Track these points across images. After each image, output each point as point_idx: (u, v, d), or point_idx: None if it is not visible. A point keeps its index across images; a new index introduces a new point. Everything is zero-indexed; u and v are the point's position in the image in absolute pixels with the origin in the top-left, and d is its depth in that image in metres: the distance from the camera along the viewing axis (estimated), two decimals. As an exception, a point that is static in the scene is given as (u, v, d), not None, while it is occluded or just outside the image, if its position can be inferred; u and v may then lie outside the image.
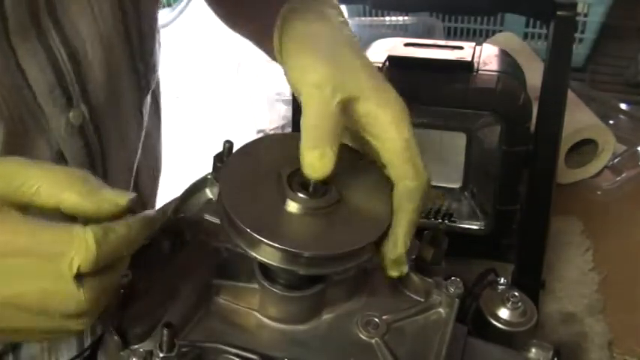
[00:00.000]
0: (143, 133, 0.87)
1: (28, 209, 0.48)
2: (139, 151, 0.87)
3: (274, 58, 0.68)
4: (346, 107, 0.57)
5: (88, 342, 0.84)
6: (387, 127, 0.57)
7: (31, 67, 0.65)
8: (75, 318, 0.48)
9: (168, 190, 0.81)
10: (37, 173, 0.48)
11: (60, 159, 0.71)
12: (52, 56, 0.67)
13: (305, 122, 0.55)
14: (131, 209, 0.50)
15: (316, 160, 0.54)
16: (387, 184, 0.59)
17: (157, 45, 0.84)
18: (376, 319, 0.56)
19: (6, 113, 0.64)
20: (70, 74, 0.69)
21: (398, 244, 0.56)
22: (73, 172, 0.49)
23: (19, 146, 0.67)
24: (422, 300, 0.59)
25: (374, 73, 0.59)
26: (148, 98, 0.87)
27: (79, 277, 0.46)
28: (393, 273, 0.58)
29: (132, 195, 0.50)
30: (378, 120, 0.57)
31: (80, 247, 0.46)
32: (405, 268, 0.58)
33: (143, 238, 0.51)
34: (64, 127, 0.70)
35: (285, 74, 0.63)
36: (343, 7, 0.69)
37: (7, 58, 0.64)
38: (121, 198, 0.49)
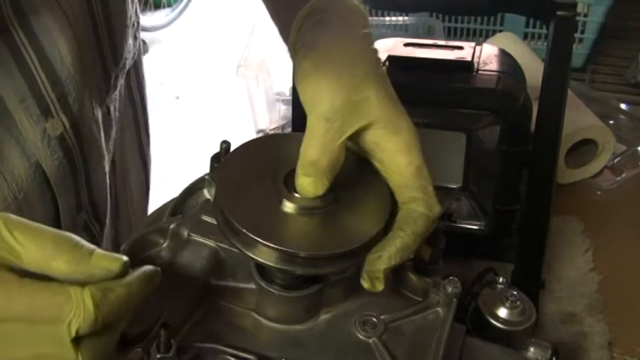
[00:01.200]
0: (114, 131, 0.85)
1: None
2: (111, 151, 0.85)
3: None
4: (355, 136, 0.56)
5: None
6: (396, 154, 0.56)
7: None
8: None
9: (167, 190, 0.81)
10: (23, 239, 0.45)
11: (37, 170, 0.69)
12: (23, 63, 0.65)
13: (304, 153, 0.54)
14: (123, 274, 0.47)
15: (309, 185, 0.54)
16: (384, 184, 0.59)
17: (130, 42, 0.82)
18: (374, 319, 0.56)
19: None
20: (44, 82, 0.67)
21: (382, 259, 0.54)
22: (60, 237, 0.46)
23: None
24: (420, 300, 0.59)
25: (388, 103, 0.57)
26: (117, 94, 0.85)
27: (77, 339, 0.44)
28: (364, 283, 0.55)
29: (124, 259, 0.47)
30: (387, 148, 0.56)
31: (79, 310, 0.44)
32: (380, 286, 0.54)
33: (143, 296, 0.48)
34: (40, 138, 0.68)
35: (296, 84, 0.60)
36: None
37: None
38: (113, 263, 0.47)
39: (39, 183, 0.70)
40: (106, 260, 0.46)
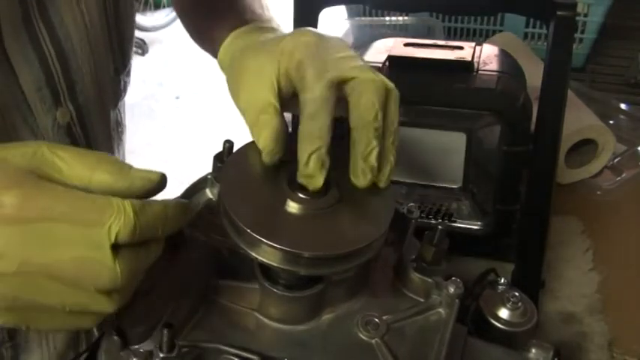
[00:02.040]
0: (124, 136, 0.88)
1: None
2: (122, 157, 0.87)
3: None
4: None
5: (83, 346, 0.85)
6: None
7: (21, 66, 0.66)
8: (105, 295, 0.47)
9: (169, 190, 0.81)
10: (65, 155, 0.48)
11: None
12: (42, 55, 0.67)
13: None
14: (162, 186, 0.50)
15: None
16: (387, 185, 0.59)
17: (132, 48, 0.85)
18: (376, 320, 0.56)
19: None
20: (58, 73, 0.69)
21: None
22: (101, 154, 0.49)
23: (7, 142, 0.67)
24: (422, 300, 0.59)
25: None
26: (125, 100, 0.88)
27: (116, 247, 0.46)
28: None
29: (162, 172, 0.50)
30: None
31: (119, 215, 0.45)
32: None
33: (178, 222, 0.51)
34: (52, 125, 0.70)
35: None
36: (343, 8, 0.70)
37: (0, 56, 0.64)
38: (153, 174, 0.50)
39: None
40: (146, 171, 0.49)
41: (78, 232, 0.45)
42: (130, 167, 0.49)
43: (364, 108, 0.56)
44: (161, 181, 0.50)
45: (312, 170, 0.55)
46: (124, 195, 0.47)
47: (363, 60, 0.61)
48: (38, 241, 0.45)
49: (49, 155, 0.48)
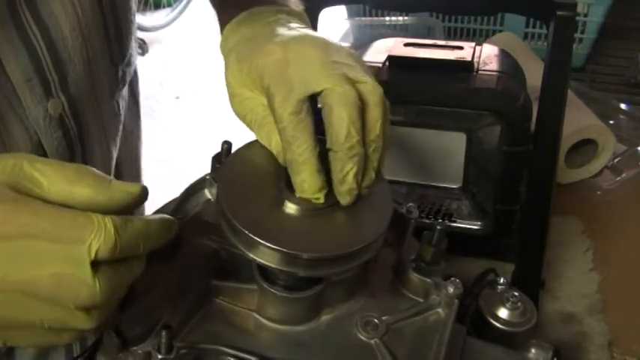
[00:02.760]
0: (121, 127, 0.87)
1: None
2: (117, 148, 0.87)
3: None
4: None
5: (77, 351, 0.84)
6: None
7: (7, 55, 0.65)
8: (84, 312, 0.47)
9: (167, 190, 0.81)
10: (45, 168, 0.47)
11: (38, 150, 0.71)
12: (30, 45, 0.67)
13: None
14: (143, 199, 0.49)
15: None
16: (386, 185, 0.59)
17: (133, 38, 0.84)
18: (375, 320, 0.56)
19: None
20: (48, 63, 0.69)
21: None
22: (80, 167, 0.49)
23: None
24: (421, 300, 0.59)
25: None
26: (125, 92, 0.87)
27: (96, 264, 0.45)
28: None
29: (143, 185, 0.49)
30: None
31: (100, 232, 0.45)
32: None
33: (161, 239, 0.50)
34: (43, 117, 0.70)
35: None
36: (343, 8, 0.69)
37: None
38: (133, 187, 0.49)
39: None
40: (126, 185, 0.49)
41: (57, 249, 0.45)
42: (111, 180, 0.49)
43: (335, 126, 0.54)
44: (142, 194, 0.49)
45: (309, 194, 0.55)
46: (104, 209, 0.47)
47: (352, 59, 0.59)
48: (17, 259, 0.45)
49: (28, 169, 0.47)
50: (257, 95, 0.59)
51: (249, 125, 0.61)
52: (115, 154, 0.86)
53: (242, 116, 0.61)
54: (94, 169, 0.49)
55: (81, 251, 0.45)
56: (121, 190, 0.48)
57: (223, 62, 0.64)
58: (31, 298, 0.45)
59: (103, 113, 0.80)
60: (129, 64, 0.84)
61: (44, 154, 0.71)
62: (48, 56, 0.68)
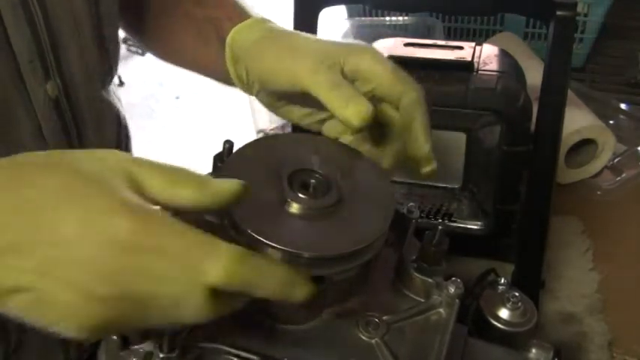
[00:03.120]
0: (119, 116, 0.89)
1: None
2: (116, 136, 0.88)
3: (228, 84, 0.76)
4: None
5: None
6: (372, 66, 0.63)
7: (15, 35, 0.66)
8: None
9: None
10: (146, 167, 0.47)
11: (38, 132, 0.72)
12: (34, 26, 0.68)
13: (327, 97, 0.60)
14: (244, 195, 0.48)
15: (354, 107, 0.59)
16: (388, 184, 0.59)
17: (117, 33, 0.85)
18: (376, 320, 0.56)
19: None
20: (47, 45, 0.70)
21: (425, 140, 0.63)
22: (175, 166, 0.48)
23: (3, 120, 0.67)
24: (422, 300, 0.59)
25: (336, 41, 0.66)
26: (115, 88, 0.88)
27: (211, 291, 0.45)
28: (427, 168, 0.64)
29: (241, 182, 0.49)
30: (364, 67, 0.63)
31: (220, 259, 0.44)
32: (435, 163, 0.64)
33: (275, 291, 0.47)
34: (43, 99, 0.71)
35: (262, 86, 0.69)
36: (343, 7, 0.70)
37: None
38: (233, 185, 0.48)
39: (40, 148, 0.71)
40: (225, 182, 0.48)
41: (182, 270, 0.44)
42: (209, 179, 0.48)
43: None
44: (243, 191, 0.48)
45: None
46: (206, 209, 0.48)
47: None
48: (141, 272, 0.44)
49: (132, 167, 0.47)
50: None
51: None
52: (113, 143, 0.88)
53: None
54: (187, 169, 0.48)
55: (199, 278, 0.44)
56: (223, 189, 0.48)
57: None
58: (149, 310, 0.45)
59: (96, 100, 0.81)
60: (115, 59, 0.85)
61: (43, 141, 0.72)
62: (47, 38, 0.70)
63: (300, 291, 0.48)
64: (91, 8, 0.76)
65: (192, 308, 0.45)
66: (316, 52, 0.63)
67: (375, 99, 0.63)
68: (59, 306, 0.44)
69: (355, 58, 0.63)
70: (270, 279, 0.46)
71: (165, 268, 0.44)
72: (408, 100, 0.63)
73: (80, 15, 0.74)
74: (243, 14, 0.75)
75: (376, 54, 0.64)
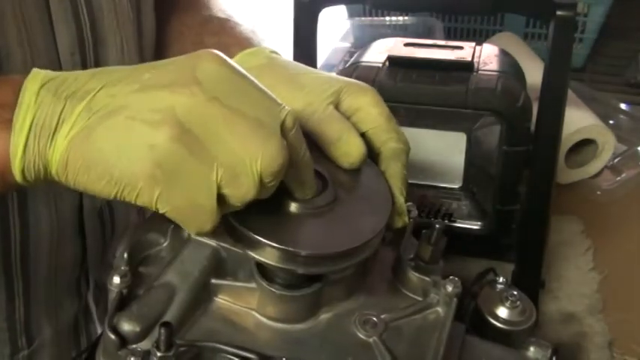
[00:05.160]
0: None
1: None
2: None
3: None
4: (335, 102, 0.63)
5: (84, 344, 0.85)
6: (369, 108, 0.62)
7: (60, 27, 0.68)
8: (258, 179, 0.49)
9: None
10: None
11: None
12: (78, 20, 0.69)
13: (319, 133, 0.60)
14: None
15: (346, 145, 0.59)
16: (384, 183, 0.59)
17: (154, 32, 0.86)
18: (374, 318, 0.56)
19: (29, 61, 0.66)
20: (89, 41, 0.71)
21: (397, 194, 0.61)
22: None
23: None
24: (420, 299, 0.59)
25: (337, 76, 0.66)
26: None
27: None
28: (399, 223, 0.62)
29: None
30: (360, 105, 0.62)
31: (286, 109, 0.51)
32: (406, 218, 0.62)
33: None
34: None
35: None
36: (343, 7, 0.70)
37: (41, 13, 0.66)
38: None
39: None
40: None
41: (264, 103, 0.50)
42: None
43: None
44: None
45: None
46: None
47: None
48: (233, 90, 0.49)
49: None
50: None
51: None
52: None
53: None
54: None
55: (275, 112, 0.50)
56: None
57: None
58: (226, 133, 0.48)
59: None
60: (152, 56, 0.86)
61: None
62: (90, 34, 0.71)
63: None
64: (134, 9, 0.78)
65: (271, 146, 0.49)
66: (310, 86, 0.63)
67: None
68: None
69: (354, 95, 0.63)
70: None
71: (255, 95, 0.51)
72: (388, 150, 0.62)
73: (123, 11, 0.76)
74: (252, 44, 0.75)
75: (375, 96, 0.63)
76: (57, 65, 0.69)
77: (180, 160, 0.47)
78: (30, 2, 0.66)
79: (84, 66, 0.72)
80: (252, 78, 0.52)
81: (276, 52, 0.70)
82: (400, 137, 0.63)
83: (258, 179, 0.49)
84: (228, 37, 0.79)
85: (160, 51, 0.88)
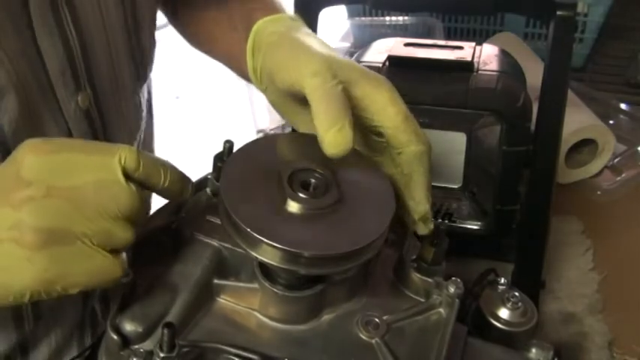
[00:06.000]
0: (143, 123, 0.89)
1: None
2: (138, 143, 0.88)
3: (246, 79, 0.73)
4: (344, 91, 0.59)
5: (89, 341, 0.85)
6: (385, 104, 0.60)
7: (46, 46, 0.67)
8: (124, 222, 0.52)
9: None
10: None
11: None
12: (65, 37, 0.68)
13: (316, 108, 0.57)
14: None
15: (336, 135, 0.56)
16: (388, 184, 0.59)
17: (152, 37, 0.85)
18: (376, 319, 0.56)
19: (22, 93, 0.65)
20: (79, 57, 0.70)
21: (422, 201, 0.61)
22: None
23: (31, 128, 0.67)
24: (422, 300, 0.59)
25: (353, 61, 0.64)
26: (145, 90, 0.88)
27: (126, 177, 0.52)
28: (424, 230, 0.61)
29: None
30: (376, 99, 0.60)
31: (124, 149, 0.52)
32: (432, 224, 0.61)
33: (176, 183, 0.56)
34: (74, 110, 0.71)
35: (270, 82, 0.66)
36: (343, 7, 0.70)
37: (26, 36, 0.65)
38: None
39: None
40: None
41: (94, 159, 0.52)
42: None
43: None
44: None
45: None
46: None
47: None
48: (62, 168, 0.51)
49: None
50: None
51: None
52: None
53: None
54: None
55: (113, 161, 0.52)
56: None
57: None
58: (77, 211, 0.50)
59: (125, 108, 0.81)
60: (149, 61, 0.85)
61: None
62: (79, 49, 0.70)
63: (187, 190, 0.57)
64: (126, 18, 0.76)
65: (118, 189, 0.51)
66: (327, 59, 0.60)
67: (370, 131, 0.61)
68: None
69: (369, 87, 0.60)
70: (166, 168, 0.55)
71: (80, 161, 0.52)
72: (409, 153, 0.60)
73: (114, 26, 0.75)
74: (276, 10, 0.74)
75: (393, 92, 0.61)
76: (48, 89, 0.68)
77: (61, 255, 0.50)
78: (11, 34, 0.64)
79: (77, 83, 0.71)
80: (73, 142, 0.56)
81: (297, 19, 0.70)
82: (420, 138, 0.60)
83: (131, 233, 0.53)
84: (253, 2, 0.79)
85: (179, 13, 0.90)
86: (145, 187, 0.54)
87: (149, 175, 0.54)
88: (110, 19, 0.74)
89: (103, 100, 0.75)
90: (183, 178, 0.57)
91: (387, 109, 0.60)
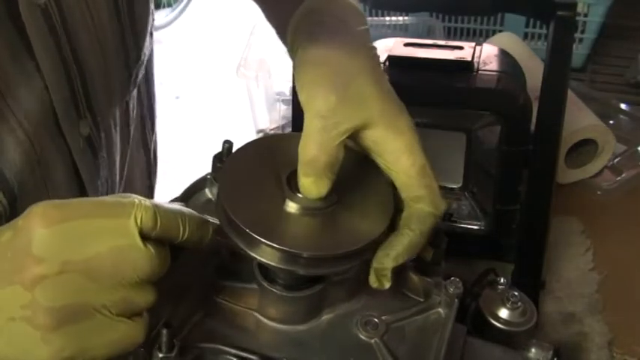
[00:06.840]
0: (133, 126, 0.87)
1: None
2: (129, 145, 0.87)
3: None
4: (355, 135, 0.56)
5: None
6: (399, 154, 0.56)
7: (51, 77, 0.64)
8: (143, 287, 0.49)
9: (168, 189, 0.81)
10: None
11: (74, 177, 0.71)
12: (66, 63, 0.66)
13: (302, 152, 0.55)
14: None
15: (311, 185, 0.54)
16: (387, 184, 0.59)
17: (149, 39, 0.83)
18: (376, 320, 0.56)
19: (30, 130, 0.63)
20: (78, 84, 0.68)
21: (389, 257, 0.55)
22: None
23: (37, 168, 0.66)
24: (421, 300, 0.59)
25: (385, 99, 0.57)
26: (135, 92, 0.87)
27: (143, 238, 0.49)
28: (372, 281, 0.56)
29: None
30: (389, 147, 0.56)
31: (140, 207, 0.49)
32: (387, 284, 0.56)
33: (194, 234, 0.52)
34: (76, 139, 0.69)
35: (295, 83, 0.60)
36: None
37: (31, 72, 0.63)
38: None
39: (76, 185, 0.72)
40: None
41: (108, 223, 0.48)
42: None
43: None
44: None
45: None
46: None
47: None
48: (75, 238, 0.47)
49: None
50: None
51: None
52: (128, 152, 0.87)
53: None
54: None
55: (129, 223, 0.48)
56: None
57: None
58: (94, 283, 0.47)
59: (118, 116, 0.80)
60: (142, 63, 0.83)
61: (80, 182, 0.72)
62: (77, 73, 0.67)
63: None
64: (120, 26, 0.73)
65: (137, 255, 0.48)
66: (343, 98, 0.55)
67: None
68: None
69: (384, 132, 0.56)
70: (185, 218, 0.51)
71: (93, 226, 0.48)
72: (414, 211, 0.56)
73: (106, 38, 0.71)
74: None
75: (412, 138, 0.56)
76: (51, 115, 0.66)
77: (79, 332, 0.48)
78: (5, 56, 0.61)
79: (77, 110, 0.69)
80: (84, 204, 0.50)
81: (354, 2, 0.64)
82: (432, 198, 0.56)
83: (152, 295, 0.50)
84: None
85: None
86: (163, 243, 0.51)
87: (167, 230, 0.50)
88: (104, 31, 0.71)
89: (102, 121, 0.74)
90: (202, 224, 0.53)
91: (401, 159, 0.56)
